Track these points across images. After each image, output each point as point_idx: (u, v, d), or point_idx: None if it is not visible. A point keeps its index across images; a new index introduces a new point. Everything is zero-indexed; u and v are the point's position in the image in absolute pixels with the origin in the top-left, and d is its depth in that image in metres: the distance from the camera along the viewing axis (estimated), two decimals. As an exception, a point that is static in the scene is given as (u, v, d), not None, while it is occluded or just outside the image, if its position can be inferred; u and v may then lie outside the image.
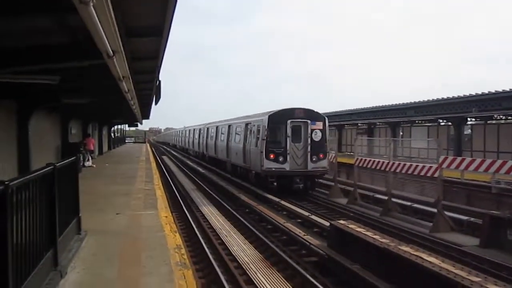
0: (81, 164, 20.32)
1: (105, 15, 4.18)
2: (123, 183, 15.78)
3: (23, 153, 13.47)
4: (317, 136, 19.97)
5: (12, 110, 13.17)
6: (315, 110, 20.64)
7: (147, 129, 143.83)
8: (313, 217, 14.34)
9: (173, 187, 22.07)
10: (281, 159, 19.52)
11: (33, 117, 14.01)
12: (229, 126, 26.51)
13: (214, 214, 15.45)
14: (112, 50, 5.73)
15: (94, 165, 22.64)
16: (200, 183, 24.75)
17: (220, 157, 28.84)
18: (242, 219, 14.72)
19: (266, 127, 19.80)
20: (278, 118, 19.96)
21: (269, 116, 20.04)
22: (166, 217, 9.68)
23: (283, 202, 17.19)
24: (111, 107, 21.60)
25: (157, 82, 14.02)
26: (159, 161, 40.80)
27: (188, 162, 39.85)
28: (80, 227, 7.40)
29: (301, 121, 19.93)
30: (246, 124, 22.93)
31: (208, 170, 30.99)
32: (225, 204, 17.32)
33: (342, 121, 39.70)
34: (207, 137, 34.24)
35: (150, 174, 19.62)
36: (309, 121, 19.93)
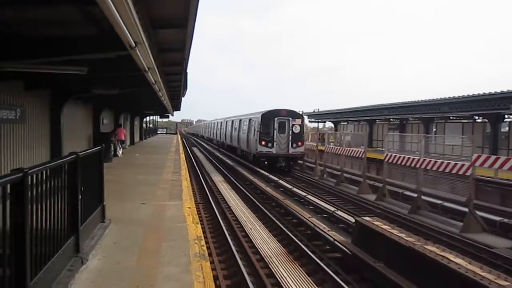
0: (112, 153, 20.78)
1: (123, 6, 4.20)
2: (151, 173, 16.02)
3: (55, 141, 13.90)
4: (297, 129, 27.43)
5: (46, 100, 13.58)
6: (295, 110, 28.62)
7: (179, 120, 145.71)
8: (339, 212, 14.18)
9: (201, 178, 22.32)
10: (269, 145, 27.18)
11: (65, 107, 14.42)
12: (240, 120, 34.12)
13: (240, 206, 15.51)
14: (134, 41, 5.77)
15: (120, 155, 23.03)
16: (228, 175, 24.93)
17: (234, 145, 36.75)
18: (268, 212, 14.71)
19: (260, 122, 27.32)
20: (268, 116, 27.51)
21: (262, 115, 27.66)
22: (190, 208, 9.75)
23: (309, 197, 17.10)
24: (141, 98, 21.92)
25: (184, 74, 14.14)
26: (189, 152, 41.39)
27: (217, 153, 40.26)
28: (104, 215, 7.53)
29: (285, 118, 27.39)
30: (249, 120, 30.20)
31: (236, 163, 31.18)
32: (253, 198, 17.35)
33: (373, 116, 38.97)
34: (225, 129, 41.77)
35: (178, 165, 19.85)
36: (290, 119, 27.36)
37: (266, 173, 24.60)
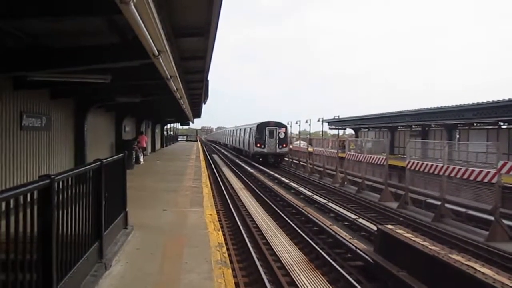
0: (134, 161, 21.01)
1: (147, 15, 4.27)
2: (172, 180, 16.14)
3: (79, 148, 14.15)
4: (282, 135, 38.27)
5: (70, 108, 13.86)
6: (281, 122, 39.58)
7: (199, 127, 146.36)
8: (361, 220, 14.03)
9: (221, 185, 22.40)
10: (262, 146, 37.91)
11: (89, 115, 14.69)
12: (244, 129, 45.41)
13: (260, 213, 15.51)
14: (158, 50, 5.86)
15: (142, 162, 23.25)
16: (249, 182, 24.97)
17: (240, 147, 48.70)
18: (288, 220, 14.65)
19: (256, 130, 38.44)
20: (261, 126, 38.36)
21: (257, 125, 38.69)
22: (211, 215, 9.78)
23: (330, 204, 16.98)
24: (162, 106, 22.18)
25: (205, 81, 14.27)
26: (209, 159, 41.68)
27: (237, 160, 40.53)
28: (127, 222, 7.60)
29: (273, 127, 38.26)
30: (250, 128, 41.32)
31: (257, 170, 31.31)
32: (273, 205, 17.32)
33: (394, 122, 38.46)
34: (235, 135, 54.12)
35: (199, 172, 19.95)
36: (277, 127, 38.35)
37: (287, 181, 24.80)
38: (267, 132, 37.93)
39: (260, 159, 38.05)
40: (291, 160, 39.52)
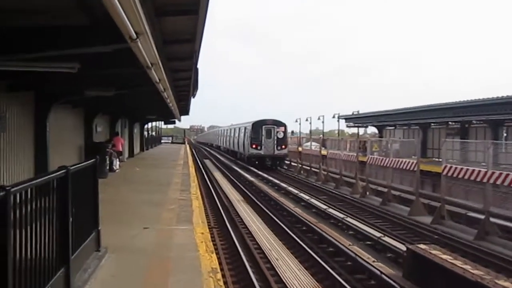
0: (108, 168, 21.03)
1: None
2: (155, 191, 16.16)
3: (40, 153, 14.12)
4: (280, 135, 41.22)
5: (29, 104, 13.85)
6: (279, 120, 42.64)
7: (188, 127, 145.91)
8: (386, 238, 14.03)
9: (215, 197, 22.42)
10: (259, 148, 40.59)
11: (52, 112, 14.67)
12: (239, 128, 48.67)
13: (263, 231, 15.51)
14: (136, 32, 5.85)
15: (118, 169, 23.27)
16: (248, 192, 25.02)
17: (234, 149, 51.72)
18: (298, 239, 14.63)
19: (251, 130, 41.30)
20: (257, 125, 41.42)
21: (252, 124, 41.89)
22: (203, 233, 9.79)
23: (349, 219, 17.00)
24: (142, 101, 22.18)
25: (195, 70, 14.27)
26: (200, 165, 41.73)
27: (234, 166, 40.55)
28: (100, 243, 7.61)
29: (270, 126, 41.28)
30: (245, 128, 44.16)
31: (259, 178, 31.33)
32: (279, 222, 17.31)
33: (427, 118, 38.44)
34: (228, 136, 57.21)
35: (187, 181, 20.00)
36: (275, 126, 41.33)
37: (296, 191, 24.90)
38: (264, 132, 40.92)
39: (256, 162, 40.60)
40: (300, 165, 39.21)
